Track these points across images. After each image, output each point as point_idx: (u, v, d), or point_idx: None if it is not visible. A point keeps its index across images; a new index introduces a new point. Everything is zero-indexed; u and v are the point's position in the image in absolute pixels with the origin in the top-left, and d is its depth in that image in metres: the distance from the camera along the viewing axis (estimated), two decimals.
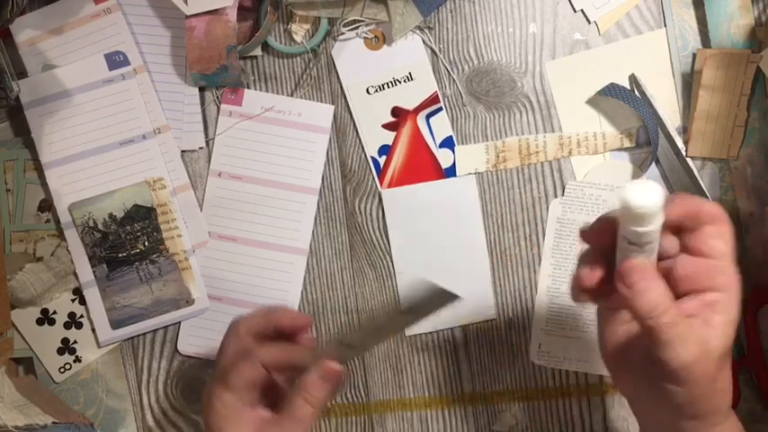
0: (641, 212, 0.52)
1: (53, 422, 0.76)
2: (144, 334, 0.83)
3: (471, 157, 0.81)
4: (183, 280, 0.81)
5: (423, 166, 0.81)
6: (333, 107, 0.81)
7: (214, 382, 0.69)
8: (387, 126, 0.81)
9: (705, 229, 0.57)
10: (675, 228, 0.57)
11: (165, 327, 0.83)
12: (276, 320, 0.71)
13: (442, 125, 0.81)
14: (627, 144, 0.80)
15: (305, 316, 0.73)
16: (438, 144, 0.81)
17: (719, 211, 0.57)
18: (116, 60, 0.80)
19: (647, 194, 0.52)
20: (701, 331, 0.56)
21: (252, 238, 0.82)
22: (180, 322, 0.83)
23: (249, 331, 0.70)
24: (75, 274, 0.82)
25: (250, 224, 0.82)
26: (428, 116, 0.81)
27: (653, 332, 0.55)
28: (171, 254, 0.81)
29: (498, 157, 0.81)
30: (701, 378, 0.56)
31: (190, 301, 0.82)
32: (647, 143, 0.80)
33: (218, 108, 0.82)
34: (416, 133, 0.81)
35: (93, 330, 0.82)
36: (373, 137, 0.81)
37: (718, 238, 0.57)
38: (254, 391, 0.68)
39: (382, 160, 0.81)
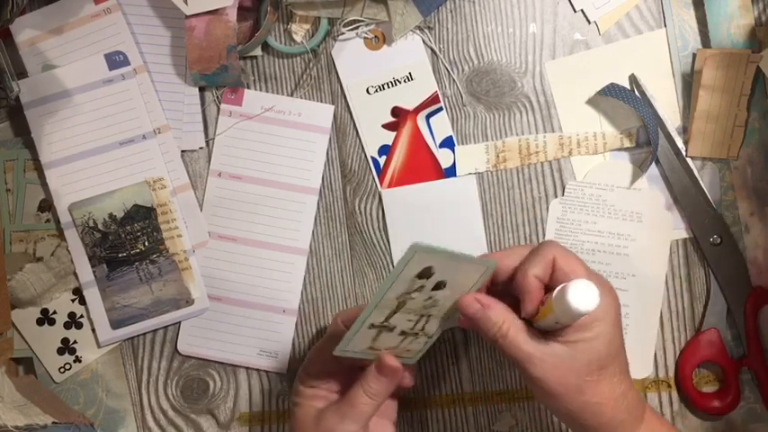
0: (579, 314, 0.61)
1: (53, 422, 0.76)
2: (144, 334, 0.83)
3: (471, 157, 0.81)
4: (183, 280, 0.81)
5: (423, 166, 0.81)
6: (333, 107, 0.81)
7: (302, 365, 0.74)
8: (387, 126, 0.81)
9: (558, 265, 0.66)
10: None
11: (165, 327, 0.83)
12: None
13: (442, 125, 0.81)
14: (627, 144, 0.80)
15: None
16: (438, 144, 0.81)
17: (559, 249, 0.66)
18: (116, 60, 0.80)
19: (589, 302, 0.61)
20: (555, 349, 0.64)
21: (252, 238, 0.82)
22: (180, 322, 0.83)
23: (345, 320, 0.71)
24: (75, 274, 0.82)
25: (250, 224, 0.82)
26: (428, 116, 0.81)
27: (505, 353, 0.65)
28: (171, 254, 0.81)
29: (498, 157, 0.81)
30: (559, 390, 0.64)
31: (190, 302, 0.82)
32: (647, 143, 0.80)
33: (218, 108, 0.82)
34: (416, 133, 0.81)
35: (93, 330, 0.82)
36: (373, 137, 0.81)
37: (576, 265, 0.65)
38: (333, 375, 0.72)
39: (382, 160, 0.81)
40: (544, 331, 0.66)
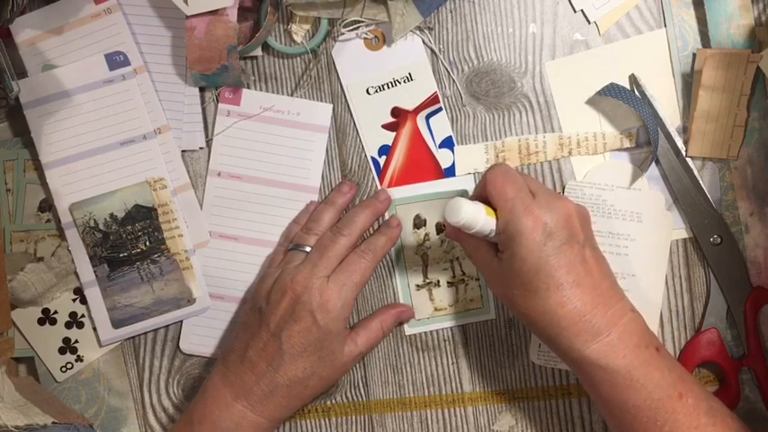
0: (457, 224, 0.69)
1: (53, 422, 0.77)
2: (145, 333, 0.83)
3: (471, 157, 0.81)
4: (185, 279, 0.82)
5: (422, 167, 0.81)
6: (331, 106, 0.81)
7: None
8: (387, 126, 0.81)
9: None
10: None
11: (167, 326, 0.83)
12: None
13: (441, 125, 0.81)
14: (627, 144, 0.80)
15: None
16: (438, 144, 0.81)
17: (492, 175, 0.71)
18: (116, 60, 0.80)
19: (454, 214, 0.68)
20: (494, 264, 0.72)
21: (252, 237, 0.82)
22: (181, 321, 0.83)
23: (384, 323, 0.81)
24: (76, 273, 0.82)
25: (250, 223, 0.82)
26: (428, 116, 0.81)
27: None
28: (172, 253, 0.81)
29: (498, 157, 0.80)
30: (501, 300, 0.78)
31: (191, 301, 0.82)
32: (647, 143, 0.80)
33: (216, 107, 0.82)
34: (416, 133, 0.81)
35: (95, 330, 0.82)
36: (373, 137, 0.81)
37: (501, 186, 0.70)
38: None
39: (382, 160, 0.81)
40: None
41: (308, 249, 0.77)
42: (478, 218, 0.69)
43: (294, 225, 0.81)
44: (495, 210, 0.70)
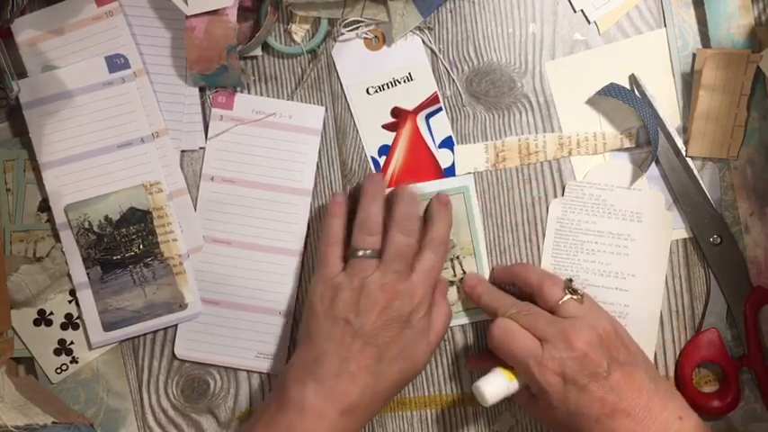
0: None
1: (53, 422, 0.77)
2: (144, 334, 0.83)
3: (470, 157, 0.81)
4: (177, 284, 0.81)
5: (422, 167, 0.81)
6: (323, 108, 0.81)
7: None
8: (387, 126, 0.81)
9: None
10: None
11: (165, 329, 0.83)
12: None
13: (441, 125, 0.81)
14: (627, 144, 0.80)
15: None
16: (438, 144, 0.81)
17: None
18: (116, 63, 0.80)
19: (483, 402, 0.73)
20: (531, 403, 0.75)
21: (246, 241, 0.82)
22: (177, 325, 0.83)
23: None
24: (68, 275, 0.82)
25: (244, 227, 0.82)
26: (428, 116, 0.81)
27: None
28: (165, 258, 0.81)
29: (498, 156, 0.80)
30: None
31: (183, 306, 0.82)
32: (647, 143, 0.80)
33: (204, 112, 0.81)
34: (416, 133, 0.81)
35: (86, 332, 0.82)
36: (373, 137, 0.81)
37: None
38: None
39: (382, 160, 0.81)
40: None
41: (369, 253, 0.76)
42: (503, 391, 0.73)
43: (334, 220, 0.79)
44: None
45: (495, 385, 0.72)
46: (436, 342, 0.77)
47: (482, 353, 0.81)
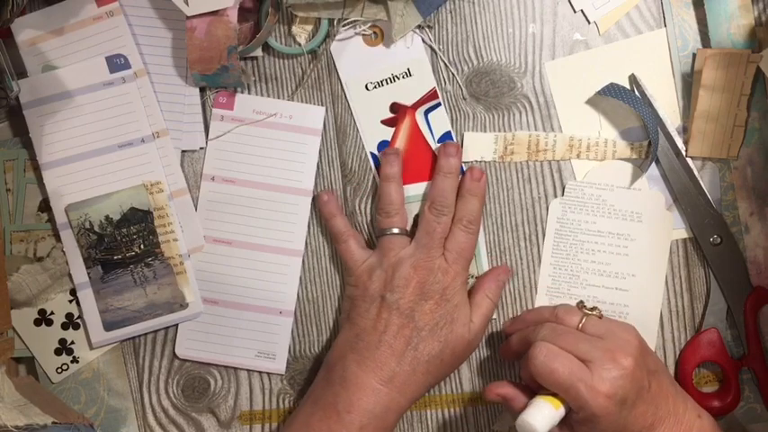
0: None
1: (53, 422, 0.77)
2: (145, 334, 0.83)
3: (479, 145, 0.80)
4: (178, 284, 0.81)
5: (421, 162, 0.81)
6: (323, 108, 0.81)
7: None
8: (386, 122, 0.81)
9: None
10: None
11: (163, 328, 0.83)
12: None
13: (440, 120, 0.81)
14: (636, 156, 0.80)
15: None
16: (436, 139, 0.81)
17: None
18: (117, 63, 0.80)
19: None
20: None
21: (246, 241, 0.82)
22: (177, 325, 0.83)
23: None
24: (69, 275, 0.82)
25: (244, 227, 0.82)
26: (426, 112, 0.81)
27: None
28: (166, 257, 0.81)
29: (506, 149, 0.80)
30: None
31: (184, 305, 0.82)
32: (647, 143, 0.80)
33: (204, 112, 0.81)
34: (415, 129, 0.81)
35: (86, 331, 0.82)
36: (372, 133, 0.81)
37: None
38: None
39: None
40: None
41: (395, 231, 0.79)
42: (552, 421, 0.69)
43: (334, 220, 0.81)
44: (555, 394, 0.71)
45: (543, 417, 0.69)
46: (475, 332, 0.78)
47: (508, 341, 0.80)
